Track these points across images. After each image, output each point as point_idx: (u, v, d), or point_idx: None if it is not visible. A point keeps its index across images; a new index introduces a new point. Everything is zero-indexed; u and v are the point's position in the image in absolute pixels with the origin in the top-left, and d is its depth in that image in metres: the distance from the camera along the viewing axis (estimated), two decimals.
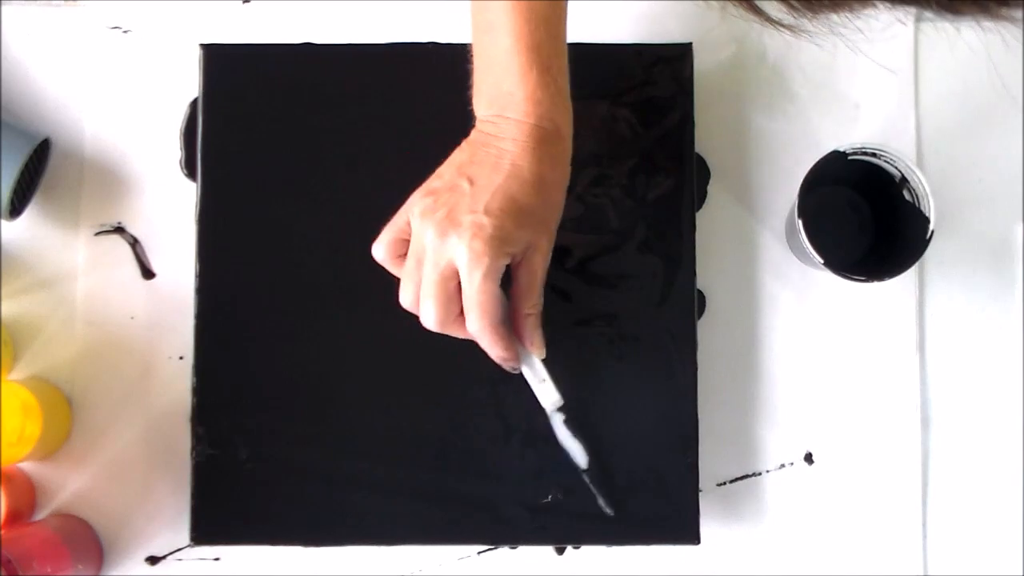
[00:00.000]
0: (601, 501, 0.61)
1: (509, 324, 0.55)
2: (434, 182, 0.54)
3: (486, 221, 0.50)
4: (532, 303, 0.55)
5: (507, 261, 0.52)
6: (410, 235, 0.54)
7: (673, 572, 0.66)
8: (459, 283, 0.52)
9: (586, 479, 0.61)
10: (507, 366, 0.57)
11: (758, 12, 0.35)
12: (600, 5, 0.68)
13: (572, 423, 0.60)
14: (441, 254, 0.51)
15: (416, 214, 0.53)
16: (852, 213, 0.68)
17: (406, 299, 0.54)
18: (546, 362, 0.58)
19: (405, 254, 0.54)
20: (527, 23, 0.52)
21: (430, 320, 0.53)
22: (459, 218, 0.51)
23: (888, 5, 0.32)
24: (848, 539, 0.66)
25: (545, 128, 0.53)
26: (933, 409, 0.68)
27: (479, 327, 0.52)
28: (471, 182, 0.52)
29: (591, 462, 0.60)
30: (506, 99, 0.53)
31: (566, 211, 0.65)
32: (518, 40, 0.52)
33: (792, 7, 0.33)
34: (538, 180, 0.52)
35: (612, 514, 0.61)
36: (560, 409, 0.59)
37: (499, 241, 0.51)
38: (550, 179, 0.53)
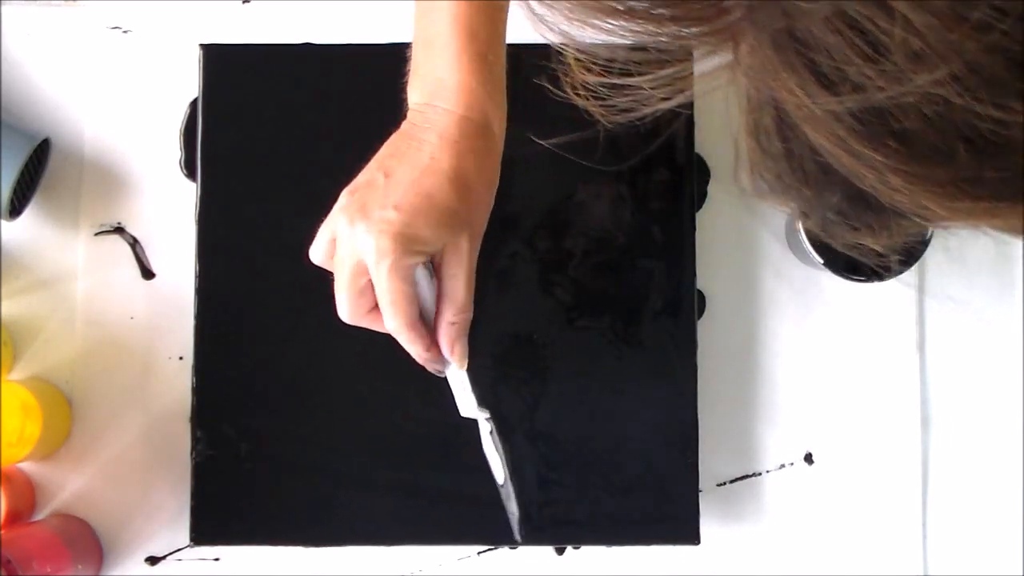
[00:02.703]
0: (512, 521, 0.57)
1: (433, 325, 0.53)
2: (359, 176, 0.52)
3: (394, 217, 0.48)
4: (455, 310, 0.52)
5: (418, 260, 0.50)
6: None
7: (673, 572, 0.66)
8: (371, 278, 0.50)
9: (502, 495, 0.58)
10: (430, 368, 0.54)
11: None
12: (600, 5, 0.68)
13: (495, 437, 0.56)
14: (351, 248, 0.49)
15: (337, 208, 0.51)
16: None
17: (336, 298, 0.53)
18: (469, 370, 0.54)
19: None
20: (466, 8, 0.50)
21: (342, 312, 0.51)
22: (370, 212, 0.49)
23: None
24: (848, 539, 0.66)
25: (474, 120, 0.50)
26: (933, 409, 0.68)
27: (393, 324, 0.50)
28: (387, 175, 0.50)
29: (508, 479, 0.57)
30: (437, 86, 0.51)
31: (567, 212, 0.65)
32: (455, 24, 0.50)
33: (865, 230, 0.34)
34: (458, 177, 0.50)
35: (519, 540, 0.58)
36: (487, 420, 0.56)
37: (406, 239, 0.48)
38: (473, 176, 0.50)
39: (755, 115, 0.31)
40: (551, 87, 0.35)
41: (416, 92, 0.52)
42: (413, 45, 0.53)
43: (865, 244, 0.35)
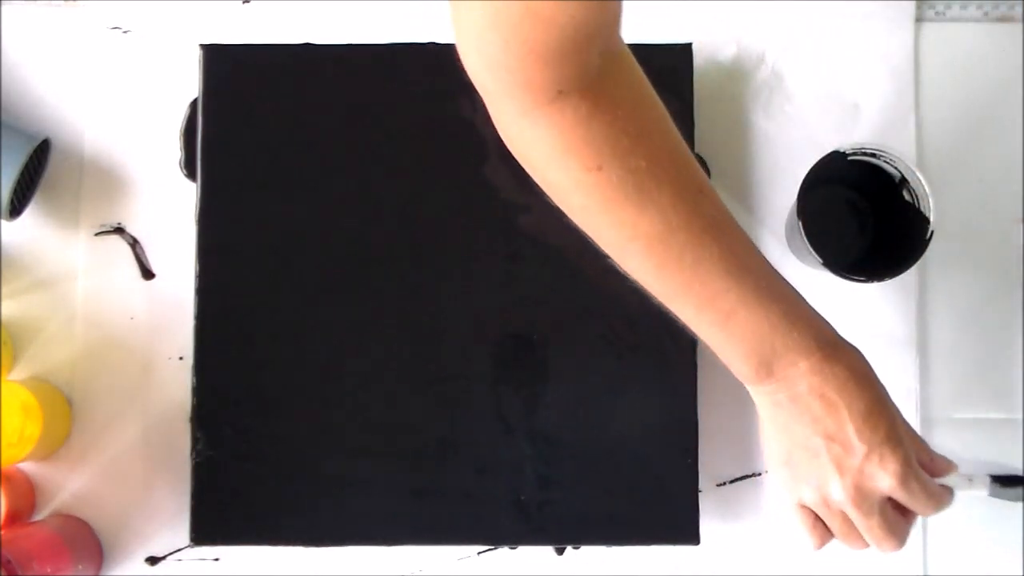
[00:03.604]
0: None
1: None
2: (791, 460, 0.53)
3: (886, 448, 0.51)
4: (928, 453, 0.55)
5: (911, 454, 0.53)
6: (820, 514, 0.54)
7: (673, 572, 0.66)
8: (891, 504, 0.53)
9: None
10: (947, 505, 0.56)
11: None
12: None
13: (1000, 489, 0.58)
14: (874, 499, 0.52)
15: (835, 489, 0.52)
16: (852, 213, 0.68)
17: (887, 546, 0.55)
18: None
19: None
20: (761, 296, 0.50)
21: (899, 544, 0.54)
22: (866, 466, 0.51)
23: None
24: None
25: (826, 340, 0.52)
26: (933, 409, 0.67)
27: (931, 510, 0.54)
28: (839, 430, 0.52)
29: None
30: (779, 358, 0.51)
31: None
32: (768, 316, 0.50)
33: None
34: (861, 376, 0.52)
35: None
36: (996, 480, 0.58)
37: (903, 449, 0.52)
38: (862, 371, 0.52)
39: None
40: None
41: (763, 373, 0.52)
42: (717, 345, 0.52)
43: None
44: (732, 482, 0.66)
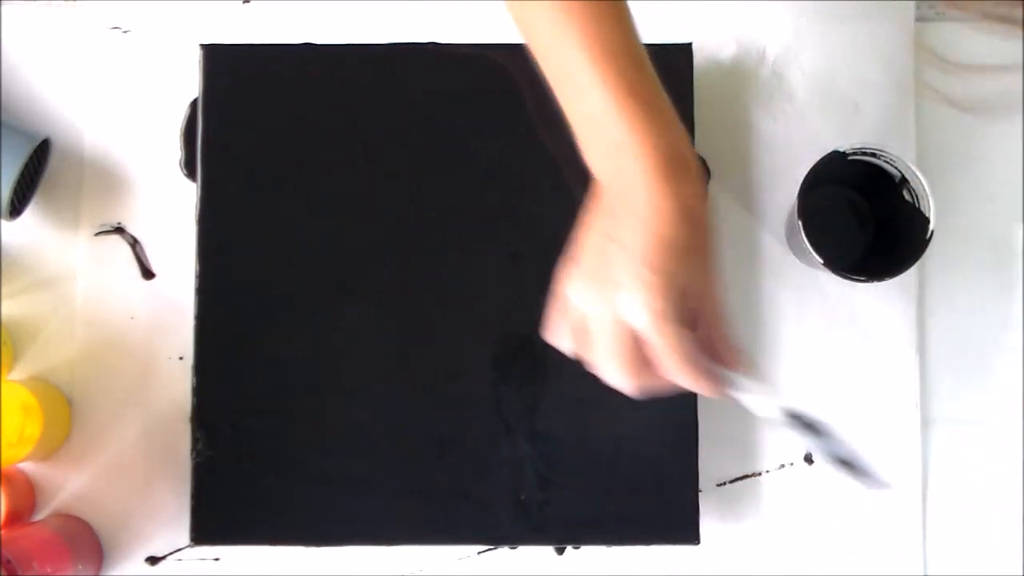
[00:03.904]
0: (874, 479, 0.52)
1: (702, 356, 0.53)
2: (581, 256, 0.52)
3: (647, 272, 0.49)
4: (717, 325, 0.53)
5: (677, 299, 0.50)
6: (571, 310, 0.52)
7: (673, 572, 0.66)
8: (636, 338, 0.50)
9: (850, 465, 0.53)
10: (723, 395, 0.54)
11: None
12: None
13: (799, 424, 0.53)
14: (611, 319, 0.50)
15: (576, 288, 0.51)
16: (852, 213, 0.68)
17: (608, 377, 0.52)
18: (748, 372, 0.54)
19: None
20: (613, 70, 0.50)
21: (626, 384, 0.51)
22: (619, 278, 0.49)
23: None
24: (848, 539, 0.66)
25: (667, 157, 0.50)
26: (933, 409, 0.68)
27: (680, 371, 0.51)
28: (614, 238, 0.50)
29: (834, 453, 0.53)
30: (620, 151, 0.51)
31: (568, 211, 0.65)
32: (613, 91, 0.50)
33: None
34: (681, 211, 0.50)
35: (886, 484, 0.53)
36: (790, 414, 0.53)
37: (667, 287, 0.49)
38: (691, 204, 0.51)
39: None
40: None
41: (600, 165, 0.52)
42: (574, 126, 0.52)
43: None
44: (732, 482, 0.66)
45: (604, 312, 0.50)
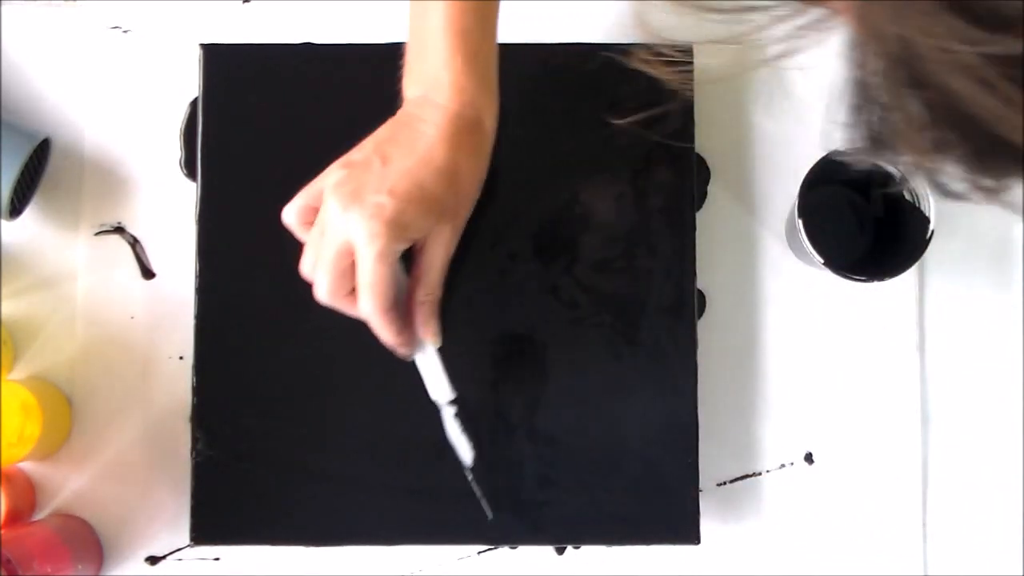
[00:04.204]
0: (483, 503, 0.60)
1: (404, 310, 0.55)
2: (353, 155, 0.53)
3: (388, 203, 0.50)
4: (428, 290, 0.55)
5: (404, 245, 0.52)
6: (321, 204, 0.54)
7: (673, 572, 0.66)
8: (354, 260, 0.51)
9: (469, 477, 0.60)
10: (400, 352, 0.56)
11: (938, 187, 0.33)
12: (600, 5, 0.68)
13: (462, 419, 0.59)
14: (340, 229, 0.51)
15: (329, 185, 0.52)
16: (852, 213, 0.68)
17: (305, 265, 0.54)
18: (442, 351, 0.57)
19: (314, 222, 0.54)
20: (458, 8, 0.52)
21: (321, 292, 0.53)
22: (364, 196, 0.51)
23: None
24: (848, 539, 0.66)
25: (467, 116, 0.53)
26: (933, 409, 0.68)
27: (369, 308, 0.52)
28: (384, 161, 0.52)
29: (476, 461, 0.59)
30: (432, 82, 0.53)
31: (567, 211, 0.65)
32: (448, 24, 0.52)
33: (982, 188, 0.32)
34: (450, 169, 0.52)
35: (491, 517, 0.60)
36: (452, 403, 0.58)
37: (397, 225, 0.50)
38: (464, 169, 0.53)
39: (873, 62, 0.30)
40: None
41: (413, 87, 0.54)
42: (408, 42, 0.55)
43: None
44: (732, 482, 0.66)
45: (336, 217, 0.51)
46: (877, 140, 0.32)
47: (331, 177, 0.52)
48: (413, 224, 0.51)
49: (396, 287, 0.53)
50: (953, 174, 0.31)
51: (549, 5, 0.69)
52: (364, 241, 0.50)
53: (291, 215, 0.54)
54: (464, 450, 0.59)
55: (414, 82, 0.54)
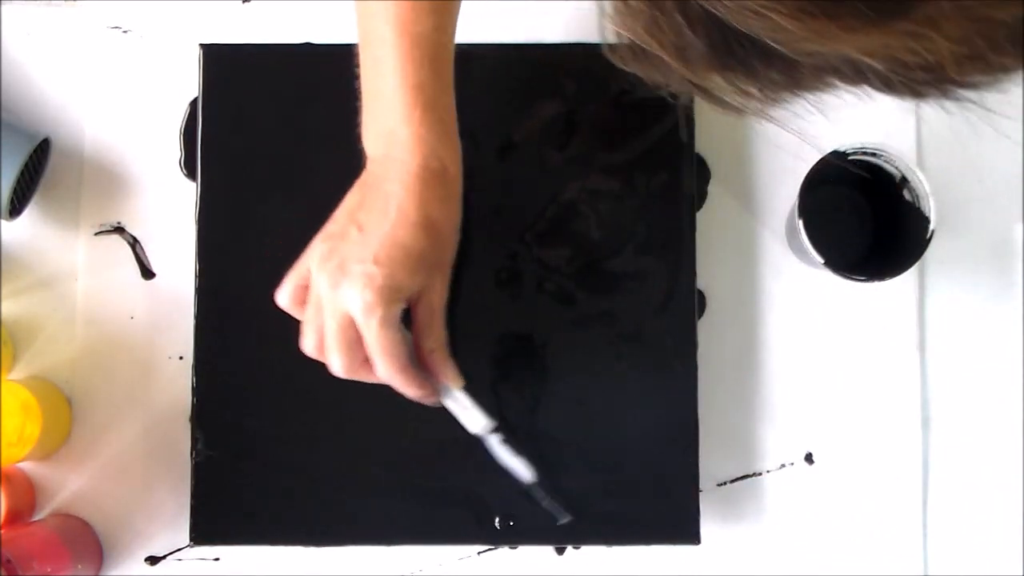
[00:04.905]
0: (559, 512, 0.60)
1: (417, 362, 0.55)
2: (330, 227, 0.54)
3: (376, 271, 0.50)
4: (434, 338, 0.55)
5: (402, 306, 0.52)
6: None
7: (673, 572, 0.66)
8: (358, 331, 0.52)
9: (537, 493, 0.60)
10: (427, 402, 0.56)
11: (716, 101, 0.34)
12: (600, 5, 0.68)
13: (510, 441, 0.59)
14: (336, 304, 0.51)
15: (314, 263, 0.53)
16: (852, 213, 0.68)
17: (308, 346, 0.54)
18: (468, 388, 0.58)
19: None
20: (412, 62, 0.52)
21: (337, 370, 0.53)
22: (350, 268, 0.51)
23: (850, 87, 0.32)
24: (848, 539, 0.66)
25: (431, 168, 0.53)
26: (933, 409, 0.67)
27: (387, 372, 0.53)
28: (360, 229, 0.52)
29: (539, 474, 0.59)
30: (392, 139, 0.53)
31: (567, 212, 0.65)
32: (403, 79, 0.52)
33: (747, 94, 0.33)
34: (426, 223, 0.52)
35: (571, 519, 0.60)
36: (495, 431, 0.59)
37: (390, 290, 0.51)
38: (439, 219, 0.53)
39: None
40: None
41: (372, 144, 0.54)
42: (363, 96, 0.54)
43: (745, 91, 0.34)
44: (732, 482, 0.66)
45: (332, 299, 0.51)
46: (639, 48, 0.32)
47: (314, 254, 0.53)
48: (404, 285, 0.52)
49: (406, 345, 0.53)
50: (723, 87, 0.32)
51: (549, 5, 0.68)
52: (363, 313, 0.51)
53: (284, 298, 0.55)
54: (522, 470, 0.59)
55: (373, 139, 0.54)
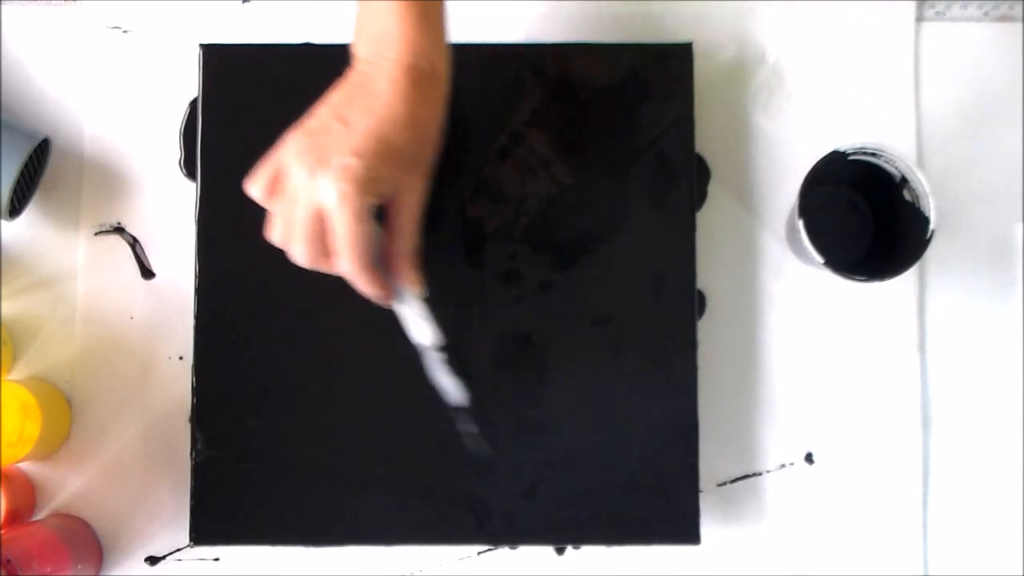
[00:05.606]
0: (480, 444, 0.60)
1: (382, 263, 0.55)
2: (311, 122, 0.54)
3: (355, 163, 0.51)
4: (405, 241, 0.56)
5: (376, 202, 0.53)
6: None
7: (673, 572, 0.66)
8: (328, 223, 0.52)
9: (462, 419, 0.60)
10: (383, 303, 0.57)
11: None
12: (600, 5, 0.68)
13: (453, 364, 0.59)
14: (311, 195, 0.52)
15: (291, 154, 0.53)
16: (852, 213, 0.68)
17: (275, 235, 0.54)
18: (428, 301, 0.58)
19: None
20: None
21: (300, 258, 0.53)
22: (329, 160, 0.51)
23: None
24: (848, 539, 0.66)
25: (421, 67, 0.53)
26: (933, 409, 0.68)
27: (349, 267, 0.53)
28: (344, 123, 0.52)
29: (472, 399, 0.59)
30: (383, 39, 0.53)
31: (567, 212, 0.65)
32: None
33: None
34: (411, 121, 0.53)
35: (492, 451, 0.60)
36: (442, 349, 0.59)
37: (367, 182, 0.51)
38: (424, 119, 0.54)
39: None
40: None
41: (363, 45, 0.55)
42: (358, 4, 0.55)
43: None
44: (732, 482, 0.66)
45: (305, 184, 0.52)
46: None
47: (292, 146, 0.53)
48: (382, 180, 0.52)
49: (373, 243, 0.53)
50: None
51: (549, 5, 0.69)
52: (336, 203, 0.51)
53: (257, 189, 0.55)
54: (454, 391, 0.59)
55: (364, 39, 0.55)
